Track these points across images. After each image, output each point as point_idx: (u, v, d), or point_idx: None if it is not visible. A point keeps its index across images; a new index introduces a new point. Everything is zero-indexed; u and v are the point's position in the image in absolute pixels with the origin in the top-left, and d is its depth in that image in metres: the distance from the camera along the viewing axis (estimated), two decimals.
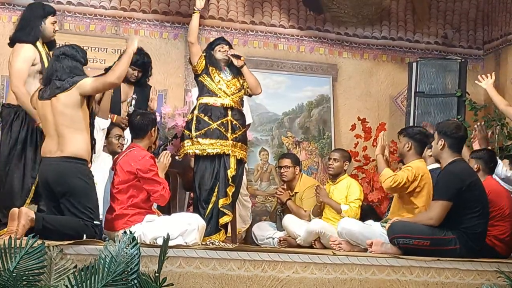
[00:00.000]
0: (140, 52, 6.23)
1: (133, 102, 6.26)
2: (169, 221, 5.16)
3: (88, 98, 5.04)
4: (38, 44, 5.59)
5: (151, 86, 6.69)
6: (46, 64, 5.46)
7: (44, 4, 5.84)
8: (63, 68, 5.02)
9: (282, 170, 7.05)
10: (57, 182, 4.88)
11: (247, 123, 7.10)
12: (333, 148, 7.89)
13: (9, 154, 5.53)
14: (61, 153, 4.89)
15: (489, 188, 5.51)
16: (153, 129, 5.40)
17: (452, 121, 5.81)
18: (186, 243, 4.94)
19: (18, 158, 5.50)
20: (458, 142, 5.34)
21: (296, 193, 7.04)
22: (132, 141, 5.49)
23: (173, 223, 5.08)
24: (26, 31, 5.57)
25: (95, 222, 4.88)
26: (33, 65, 5.52)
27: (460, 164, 5.30)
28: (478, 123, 6.45)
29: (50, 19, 5.65)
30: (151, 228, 5.03)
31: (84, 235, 4.65)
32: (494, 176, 5.90)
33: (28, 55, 5.52)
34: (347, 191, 6.65)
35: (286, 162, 7.04)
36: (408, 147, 5.73)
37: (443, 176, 5.24)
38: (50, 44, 5.75)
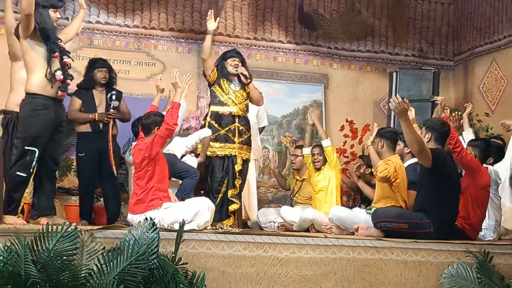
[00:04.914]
0: (100, 59, 6.42)
1: (113, 97, 6.25)
2: (183, 205, 5.17)
3: (34, 35, 4.75)
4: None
5: (121, 92, 6.53)
6: None
7: None
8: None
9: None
10: None
11: (262, 125, 7.07)
12: None
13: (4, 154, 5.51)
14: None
15: (485, 177, 5.56)
16: (156, 128, 5.23)
17: (438, 118, 5.79)
18: (198, 226, 4.94)
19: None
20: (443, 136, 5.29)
21: (304, 179, 7.00)
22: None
23: (187, 207, 5.10)
24: None
25: (26, 147, 4.71)
26: None
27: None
28: (457, 112, 6.29)
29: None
30: (169, 213, 5.04)
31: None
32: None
33: None
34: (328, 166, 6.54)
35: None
36: (381, 145, 5.73)
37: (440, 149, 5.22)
38: None
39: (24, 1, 4.62)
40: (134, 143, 5.73)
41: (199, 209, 5.03)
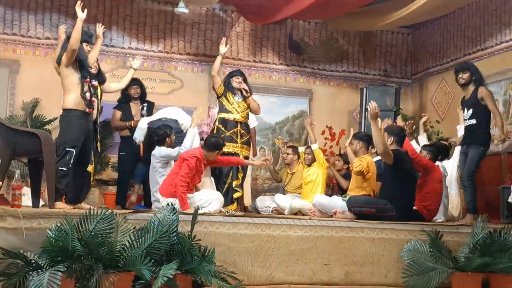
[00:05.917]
0: (132, 79, 6.32)
1: (145, 108, 6.34)
2: (200, 195, 5.23)
3: (73, 64, 4.85)
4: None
5: (153, 102, 6.62)
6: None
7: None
8: (63, 47, 4.92)
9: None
10: None
11: (252, 126, 7.03)
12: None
13: None
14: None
15: (439, 173, 5.58)
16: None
17: (397, 125, 5.83)
18: (209, 211, 4.94)
19: None
20: (402, 139, 5.30)
21: (294, 172, 6.97)
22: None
23: (202, 196, 5.18)
24: None
25: (67, 148, 4.77)
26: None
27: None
28: (410, 121, 6.44)
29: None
30: (190, 202, 5.08)
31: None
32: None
33: None
34: (317, 164, 6.48)
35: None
36: (359, 146, 5.72)
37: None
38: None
39: (73, 40, 4.78)
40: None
41: (211, 199, 5.07)
